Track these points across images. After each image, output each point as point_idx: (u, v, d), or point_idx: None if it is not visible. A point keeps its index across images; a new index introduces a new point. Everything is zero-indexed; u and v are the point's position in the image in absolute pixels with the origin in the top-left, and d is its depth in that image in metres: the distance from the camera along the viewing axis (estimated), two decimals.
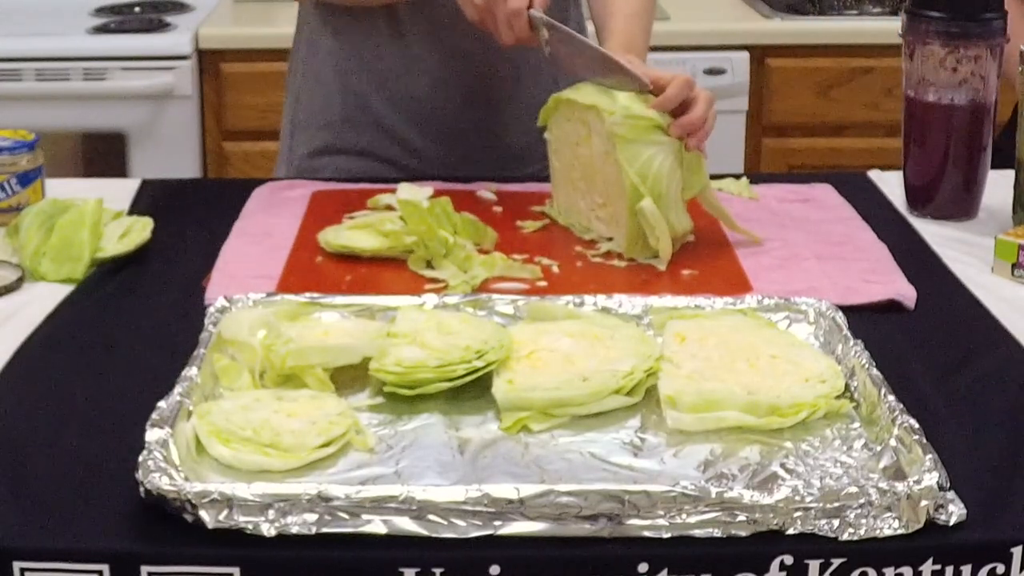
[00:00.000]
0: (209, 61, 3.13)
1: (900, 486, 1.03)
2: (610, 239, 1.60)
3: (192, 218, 1.70)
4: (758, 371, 1.22)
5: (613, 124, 1.53)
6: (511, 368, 1.23)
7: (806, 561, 1.01)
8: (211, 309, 1.32)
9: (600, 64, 1.60)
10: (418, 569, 1.00)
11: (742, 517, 1.02)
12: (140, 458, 1.04)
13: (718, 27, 3.18)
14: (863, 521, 1.02)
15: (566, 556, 1.01)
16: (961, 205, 1.71)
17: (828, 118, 3.16)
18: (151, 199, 1.76)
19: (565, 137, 1.64)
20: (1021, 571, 1.02)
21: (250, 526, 1.01)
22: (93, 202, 1.57)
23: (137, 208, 1.71)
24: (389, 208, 1.64)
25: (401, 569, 1.00)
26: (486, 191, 1.76)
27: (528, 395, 1.18)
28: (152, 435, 1.07)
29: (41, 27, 3.20)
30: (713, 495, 1.02)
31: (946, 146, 1.69)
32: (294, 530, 1.01)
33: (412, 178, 1.79)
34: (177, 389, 1.15)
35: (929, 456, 1.06)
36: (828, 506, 1.02)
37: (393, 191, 1.69)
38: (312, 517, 1.01)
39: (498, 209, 1.71)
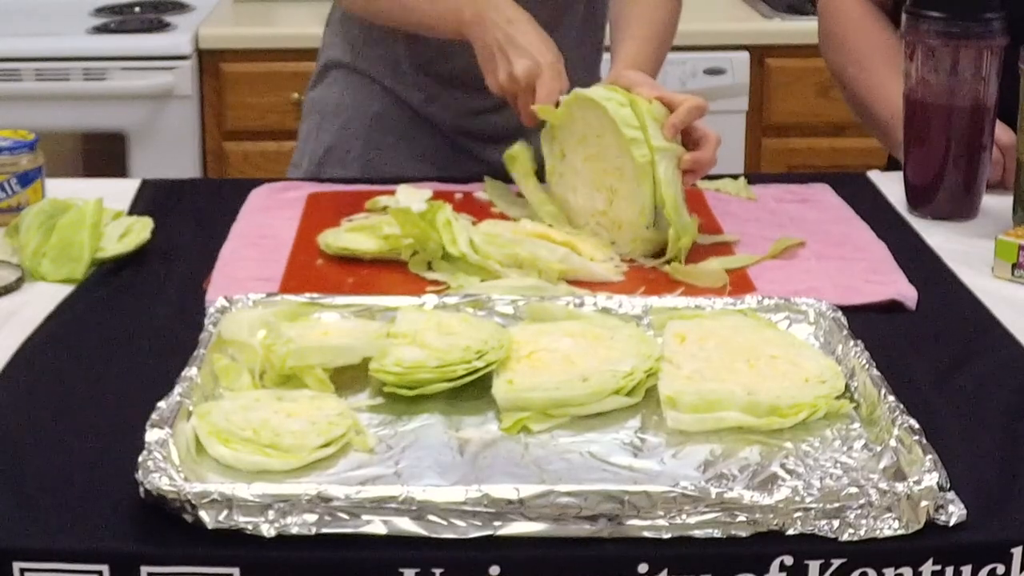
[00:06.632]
0: (209, 61, 3.13)
1: (900, 487, 1.03)
2: (612, 243, 1.59)
3: (192, 218, 1.70)
4: (758, 371, 1.22)
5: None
6: (511, 368, 1.23)
7: (806, 562, 1.01)
8: (211, 309, 1.32)
9: None
10: (418, 569, 1.00)
11: (742, 517, 1.01)
12: (140, 458, 1.04)
13: (718, 27, 3.18)
14: (863, 522, 1.02)
15: (566, 556, 1.01)
16: (961, 205, 1.71)
17: (828, 118, 3.16)
18: (151, 199, 1.76)
19: (571, 134, 1.63)
20: (1021, 571, 1.02)
21: (250, 526, 1.01)
22: (93, 202, 1.57)
23: (137, 208, 1.71)
24: (387, 210, 1.64)
25: (401, 569, 1.00)
26: (485, 192, 1.76)
27: (528, 395, 1.18)
28: (152, 435, 1.07)
29: (41, 27, 3.21)
30: (713, 495, 1.01)
31: (946, 146, 1.69)
32: (294, 530, 1.01)
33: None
34: (177, 389, 1.15)
35: (929, 456, 1.06)
36: (828, 507, 1.02)
37: (391, 193, 1.69)
38: (312, 517, 1.01)
39: (496, 209, 1.71)
